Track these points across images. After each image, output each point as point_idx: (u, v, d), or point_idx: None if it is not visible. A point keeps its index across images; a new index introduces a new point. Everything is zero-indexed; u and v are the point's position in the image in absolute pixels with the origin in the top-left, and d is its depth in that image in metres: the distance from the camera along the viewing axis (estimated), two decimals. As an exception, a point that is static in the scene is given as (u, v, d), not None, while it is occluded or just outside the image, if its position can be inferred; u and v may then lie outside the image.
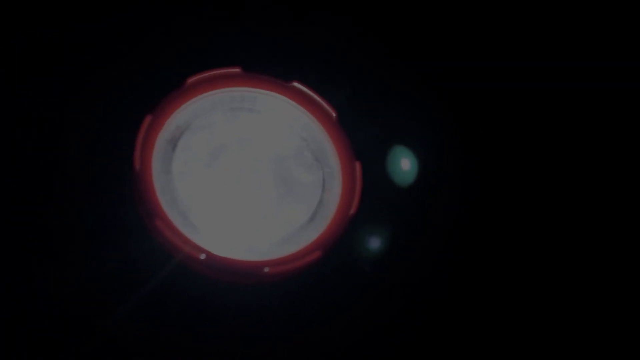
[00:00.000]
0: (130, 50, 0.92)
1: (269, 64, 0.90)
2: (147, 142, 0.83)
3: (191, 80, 0.87)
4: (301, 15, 0.96)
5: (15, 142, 0.86)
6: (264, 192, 0.86)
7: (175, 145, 0.85)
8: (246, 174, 0.86)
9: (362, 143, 0.89)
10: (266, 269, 0.81)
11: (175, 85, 0.86)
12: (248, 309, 0.84)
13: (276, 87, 0.90)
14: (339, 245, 0.84)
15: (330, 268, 0.84)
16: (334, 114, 0.89)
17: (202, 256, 0.80)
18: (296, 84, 0.90)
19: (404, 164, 0.92)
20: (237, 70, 0.89)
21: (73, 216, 0.85)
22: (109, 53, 0.91)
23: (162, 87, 0.86)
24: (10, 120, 0.87)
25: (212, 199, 0.85)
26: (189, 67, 0.87)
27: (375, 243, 0.90)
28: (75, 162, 0.87)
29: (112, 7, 0.92)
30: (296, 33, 0.95)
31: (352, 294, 0.87)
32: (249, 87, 0.89)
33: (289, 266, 0.81)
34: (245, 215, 0.85)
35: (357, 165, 0.87)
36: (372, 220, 0.89)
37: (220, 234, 0.83)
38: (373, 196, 0.87)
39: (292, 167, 0.87)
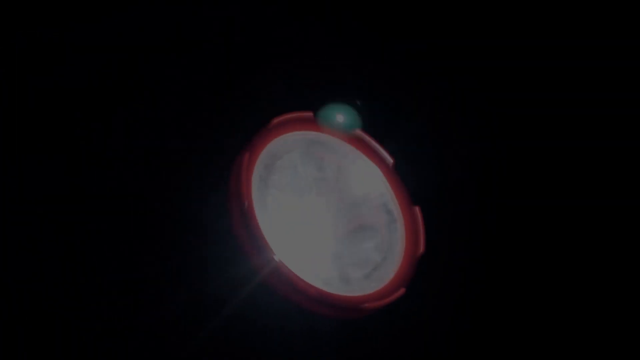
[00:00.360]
0: (210, 92, 0.93)
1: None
2: (247, 179, 0.86)
3: (276, 121, 0.90)
4: (363, 69, 1.02)
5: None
6: (340, 232, 0.91)
7: (266, 184, 0.88)
8: (323, 214, 0.91)
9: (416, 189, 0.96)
10: (365, 305, 0.86)
11: (260, 125, 0.90)
12: (342, 341, 0.88)
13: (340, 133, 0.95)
14: (415, 282, 0.91)
15: (409, 303, 0.90)
16: (391, 161, 0.96)
17: (314, 291, 0.83)
18: (357, 131, 0.96)
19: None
20: (310, 114, 0.93)
21: (179, 250, 0.85)
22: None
23: (248, 127, 0.89)
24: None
25: (295, 236, 0.88)
26: (269, 110, 0.91)
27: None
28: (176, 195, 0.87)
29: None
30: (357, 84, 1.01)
31: (435, 326, 0.94)
32: (319, 131, 0.94)
33: (380, 302, 0.87)
34: (325, 254, 0.89)
35: (417, 210, 0.94)
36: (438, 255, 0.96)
37: (305, 272, 0.87)
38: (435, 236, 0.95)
39: (360, 210, 0.93)
